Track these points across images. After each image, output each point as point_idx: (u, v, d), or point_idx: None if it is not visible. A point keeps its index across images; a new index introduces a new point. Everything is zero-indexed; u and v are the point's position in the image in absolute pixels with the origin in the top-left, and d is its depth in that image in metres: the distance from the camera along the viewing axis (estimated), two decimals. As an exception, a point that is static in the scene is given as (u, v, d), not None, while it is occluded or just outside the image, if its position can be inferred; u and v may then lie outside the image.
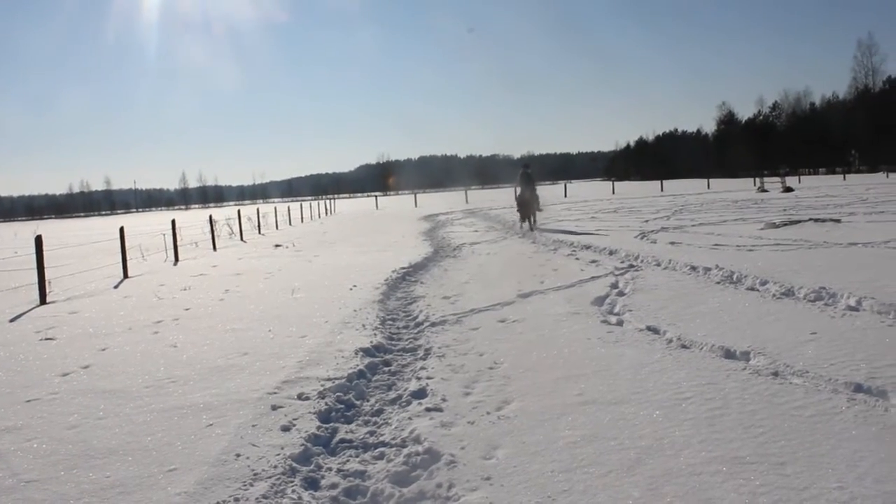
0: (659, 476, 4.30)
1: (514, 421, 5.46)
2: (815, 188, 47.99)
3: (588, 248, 16.95)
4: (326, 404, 6.06)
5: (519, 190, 25.36)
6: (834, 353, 6.59)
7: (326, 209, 58.93)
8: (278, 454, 4.96)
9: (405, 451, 5.03)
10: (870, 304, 8.43)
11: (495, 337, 8.28)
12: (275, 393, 6.37)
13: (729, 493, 4.01)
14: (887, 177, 65.53)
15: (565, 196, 58.98)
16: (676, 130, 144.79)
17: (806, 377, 5.97)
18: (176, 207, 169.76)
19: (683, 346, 7.26)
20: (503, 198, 59.66)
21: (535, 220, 24.99)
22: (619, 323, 8.57)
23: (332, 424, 5.69)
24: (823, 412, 5.17)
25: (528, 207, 24.83)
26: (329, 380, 6.72)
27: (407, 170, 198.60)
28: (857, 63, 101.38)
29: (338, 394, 6.35)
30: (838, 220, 19.97)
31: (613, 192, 60.56)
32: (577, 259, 14.94)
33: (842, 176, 75.22)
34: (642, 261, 13.83)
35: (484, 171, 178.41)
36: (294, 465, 4.82)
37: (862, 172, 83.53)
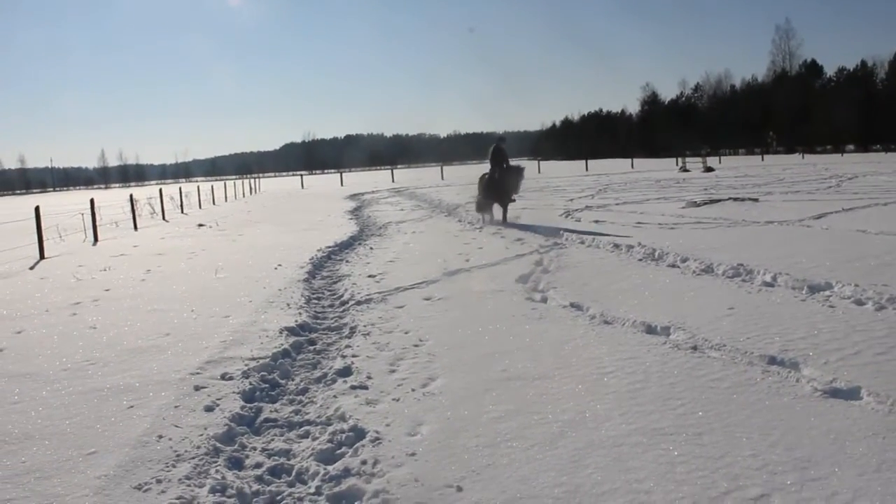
0: (581, 448, 4.38)
1: (439, 397, 5.49)
2: (734, 168, 49.09)
3: (514, 226, 17.07)
4: (251, 384, 6.01)
5: (490, 171, 19.09)
6: (750, 328, 6.78)
7: (251, 188, 58.12)
8: (201, 435, 4.91)
9: (330, 428, 5.03)
10: (784, 280, 8.68)
11: (421, 315, 8.30)
12: (198, 373, 6.29)
13: (649, 464, 4.11)
14: (803, 158, 67.30)
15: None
16: (601, 111, 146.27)
17: (723, 351, 6.14)
18: (95, 186, 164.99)
19: (606, 322, 7.38)
20: (429, 176, 59.74)
21: (506, 212, 18.62)
22: (543, 300, 8.67)
23: (256, 404, 5.65)
24: (739, 384, 5.32)
25: (497, 193, 18.69)
26: (253, 359, 6.66)
27: (333, 148, 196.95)
28: (775, 47, 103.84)
29: (262, 373, 6.31)
30: (756, 200, 20.50)
31: (539, 172, 61.00)
32: (502, 237, 15.06)
33: (760, 157, 77.00)
34: (567, 239, 14.00)
35: (410, 150, 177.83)
36: (218, 445, 4.77)
37: (779, 154, 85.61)
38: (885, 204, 17.89)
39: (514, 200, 19.20)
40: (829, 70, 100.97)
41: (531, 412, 5.03)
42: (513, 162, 19.60)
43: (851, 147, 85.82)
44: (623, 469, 4.08)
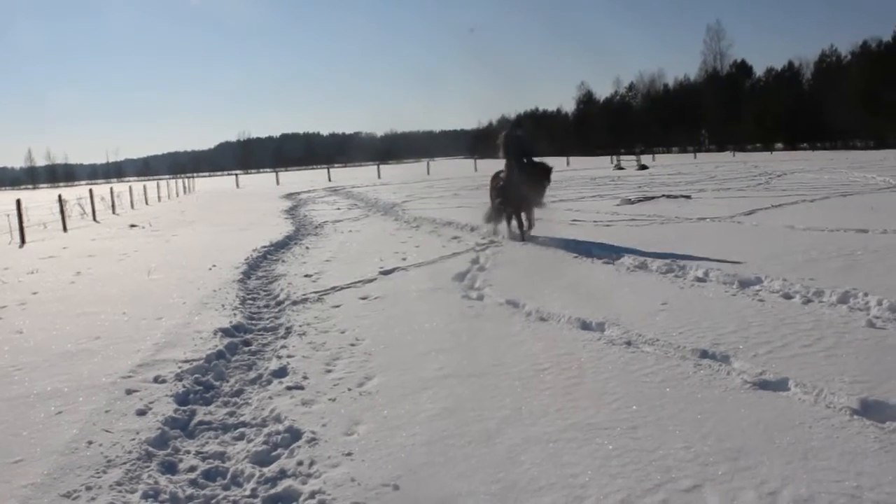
0: (517, 444, 4.41)
1: (376, 396, 5.48)
2: (668, 166, 49.89)
3: (450, 224, 17.10)
4: (184, 386, 5.91)
5: (505, 168, 14.32)
6: (683, 322, 6.90)
7: (185, 188, 57.28)
8: (133, 439, 4.81)
9: (266, 430, 4.98)
10: (716, 275, 8.85)
11: (357, 314, 8.27)
12: (129, 377, 6.16)
13: (584, 458, 4.15)
14: (734, 156, 68.71)
15: (428, 174, 59.27)
16: (538, 109, 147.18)
17: (657, 345, 6.23)
18: (22, 187, 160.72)
19: (542, 319, 7.44)
20: (366, 175, 59.54)
21: (529, 224, 13.97)
22: (480, 297, 8.70)
23: (190, 407, 5.56)
24: (672, 378, 5.41)
25: (514, 198, 13.91)
26: (187, 361, 6.55)
27: (269, 147, 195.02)
28: (706, 47, 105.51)
29: (196, 375, 6.21)
30: (689, 197, 20.84)
31: (476, 170, 61.24)
32: (439, 236, 15.08)
33: (693, 155, 78.43)
34: (503, 236, 14.07)
35: (347, 149, 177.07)
36: (150, 449, 4.68)
37: (711, 151, 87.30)
38: (811, 200, 18.35)
39: (542, 206, 14.19)
40: (759, 70, 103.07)
41: (468, 409, 5.04)
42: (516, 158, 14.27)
43: (780, 145, 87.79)
44: (559, 464, 4.11)
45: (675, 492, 3.73)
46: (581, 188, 28.80)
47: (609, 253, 10.96)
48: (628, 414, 4.75)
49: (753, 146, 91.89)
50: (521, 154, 14.08)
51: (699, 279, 8.90)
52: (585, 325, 7.06)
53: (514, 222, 14.10)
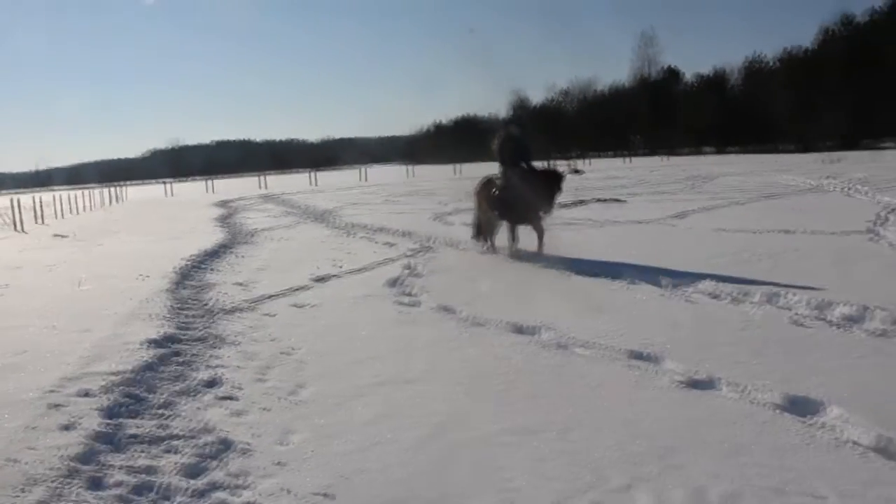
0: (452, 449, 4.42)
1: (310, 405, 5.43)
2: (602, 170, 50.56)
3: (384, 230, 17.03)
4: (112, 399, 5.77)
5: (501, 174, 12.45)
6: (616, 324, 6.99)
7: (116, 196, 56.20)
8: (58, 455, 4.68)
9: (196, 442, 4.88)
10: (648, 278, 9.01)
11: (291, 322, 8.19)
12: (55, 391, 5.99)
13: (519, 462, 4.18)
14: (667, 160, 69.80)
15: (365, 180, 59.10)
16: (473, 115, 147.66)
17: (590, 348, 6.31)
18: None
19: (477, 324, 7.45)
20: (300, 183, 59.09)
21: (541, 240, 12.01)
22: (415, 304, 8.69)
23: (118, 420, 5.42)
24: (604, 379, 5.48)
25: (514, 209, 11.93)
26: (115, 374, 6.38)
27: (202, 155, 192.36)
28: (638, 53, 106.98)
29: (124, 388, 6.05)
30: (622, 200, 21.14)
31: (413, 176, 61.29)
32: (373, 242, 15.01)
33: (626, 159, 79.52)
34: (437, 242, 14.08)
35: (281, 156, 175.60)
36: (76, 465, 4.55)
37: (644, 156, 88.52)
38: (740, 203, 18.79)
39: (546, 216, 12.10)
40: (688, 76, 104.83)
41: (403, 416, 5.03)
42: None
43: (710, 149, 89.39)
44: (493, 468, 4.13)
45: (607, 492, 3.77)
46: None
47: (543, 257, 11.04)
48: (562, 416, 4.79)
49: (684, 150, 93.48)
50: (518, 158, 12.22)
51: (632, 282, 9.01)
52: (520, 330, 7.09)
53: (512, 235, 12.18)
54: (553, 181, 12.04)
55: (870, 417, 4.47)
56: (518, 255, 11.83)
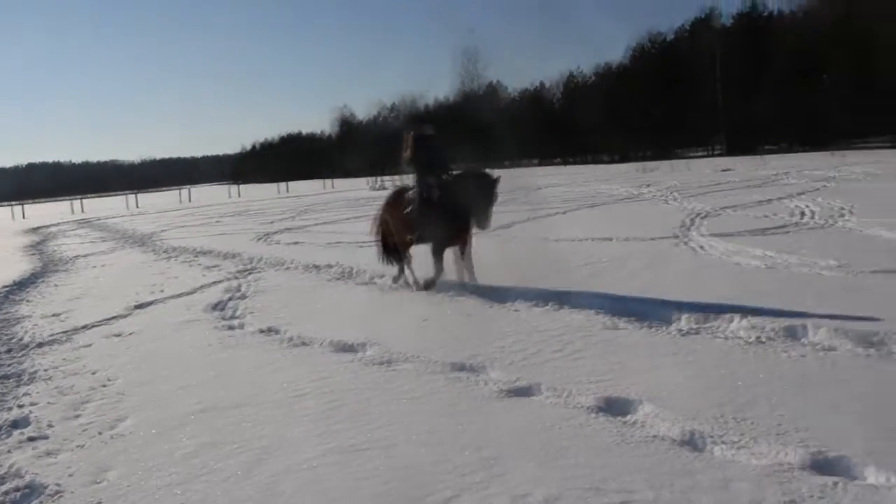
0: (278, 474, 4.34)
1: (129, 438, 5.21)
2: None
3: (208, 253, 16.58)
4: None
5: (415, 187, 10.26)
6: (442, 337, 7.11)
7: (-86, 228, 52.22)
8: None
9: (3, 488, 4.58)
10: (473, 288, 9.21)
11: (110, 352, 7.83)
12: None
13: (343, 482, 4.16)
14: (493, 172, 71.25)
15: (188, 201, 57.45)
16: (300, 132, 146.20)
17: (415, 362, 6.36)
18: None
19: (302, 344, 7.38)
20: (121, 205, 56.81)
21: (468, 265, 9.98)
22: (239, 326, 8.50)
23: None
24: (430, 393, 5.54)
25: (441, 226, 9.63)
26: None
27: (12, 178, 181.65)
28: (463, 69, 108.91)
29: (-80, 434, 5.63)
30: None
31: (239, 196, 60.13)
32: (197, 265, 14.58)
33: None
34: (263, 262, 13.84)
35: (98, 179, 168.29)
36: None
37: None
38: (563, 213, 19.52)
39: (483, 229, 9.70)
40: (512, 90, 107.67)
41: (226, 443, 4.91)
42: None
43: (535, 161, 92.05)
44: (320, 490, 4.10)
45: (433, 505, 3.81)
46: (343, 210, 28.97)
47: (369, 274, 11.05)
48: (387, 433, 4.80)
49: (509, 162, 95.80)
50: (434, 165, 10.13)
51: (458, 293, 9.17)
52: (345, 348, 7.07)
53: (438, 261, 9.79)
54: (487, 187, 9.53)
55: (678, 413, 4.73)
56: (431, 286, 9.75)
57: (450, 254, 9.87)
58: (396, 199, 10.51)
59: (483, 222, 9.43)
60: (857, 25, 55.21)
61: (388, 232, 10.52)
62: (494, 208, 9.36)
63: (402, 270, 10.34)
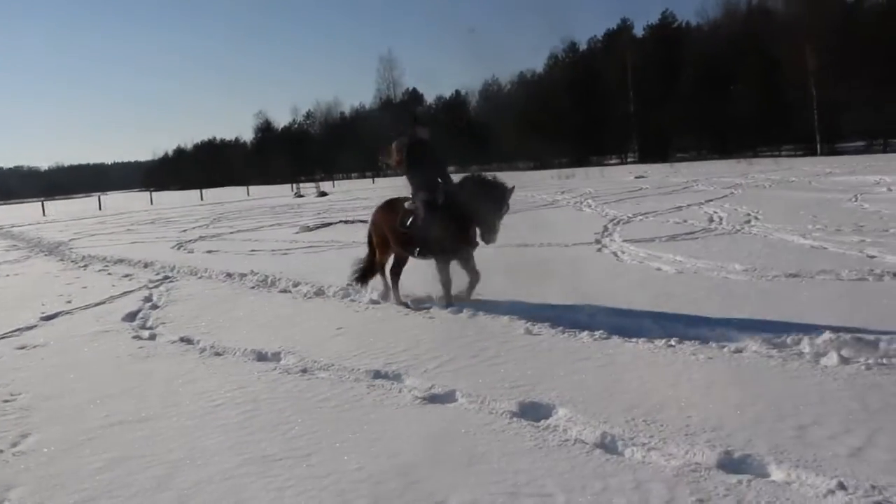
0: (191, 487, 4.25)
1: (34, 455, 5.03)
2: (348, 192, 51.03)
3: (122, 261, 16.16)
4: None
5: (415, 195, 9.10)
6: (358, 345, 7.07)
7: None
8: None
9: None
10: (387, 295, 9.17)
11: (13, 366, 7.54)
12: None
13: (259, 493, 4.09)
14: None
15: (102, 209, 56.03)
16: (215, 139, 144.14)
17: (331, 370, 6.32)
18: None
19: (217, 354, 7.26)
20: (29, 213, 54.99)
21: (471, 281, 8.92)
22: (152, 337, 8.32)
23: None
24: (346, 401, 5.50)
25: (450, 242, 8.72)
26: None
27: None
28: (380, 76, 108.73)
29: None
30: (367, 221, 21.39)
31: (152, 203, 58.91)
32: (109, 274, 14.22)
33: (371, 179, 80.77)
34: (178, 271, 13.58)
35: (5, 185, 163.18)
36: None
37: (391, 176, 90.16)
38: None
39: (489, 243, 8.80)
40: (429, 98, 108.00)
41: (137, 457, 4.78)
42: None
43: (451, 168, 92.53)
44: (237, 501, 4.05)
45: (349, 515, 3.78)
46: (260, 217, 28.65)
47: (286, 281, 10.96)
48: (303, 442, 4.75)
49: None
50: (438, 170, 9.22)
51: (374, 301, 9.17)
52: (262, 356, 6.99)
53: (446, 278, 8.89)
54: (498, 197, 8.62)
55: (592, 416, 4.80)
56: (450, 300, 8.79)
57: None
58: (387, 209, 9.49)
59: (489, 236, 8.65)
60: (760, 40, 57.24)
61: (383, 245, 9.48)
62: (503, 221, 8.71)
63: (394, 284, 9.37)
